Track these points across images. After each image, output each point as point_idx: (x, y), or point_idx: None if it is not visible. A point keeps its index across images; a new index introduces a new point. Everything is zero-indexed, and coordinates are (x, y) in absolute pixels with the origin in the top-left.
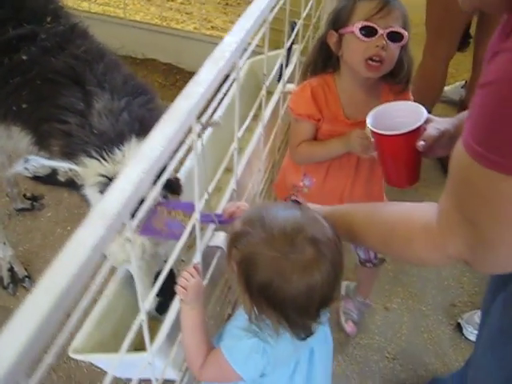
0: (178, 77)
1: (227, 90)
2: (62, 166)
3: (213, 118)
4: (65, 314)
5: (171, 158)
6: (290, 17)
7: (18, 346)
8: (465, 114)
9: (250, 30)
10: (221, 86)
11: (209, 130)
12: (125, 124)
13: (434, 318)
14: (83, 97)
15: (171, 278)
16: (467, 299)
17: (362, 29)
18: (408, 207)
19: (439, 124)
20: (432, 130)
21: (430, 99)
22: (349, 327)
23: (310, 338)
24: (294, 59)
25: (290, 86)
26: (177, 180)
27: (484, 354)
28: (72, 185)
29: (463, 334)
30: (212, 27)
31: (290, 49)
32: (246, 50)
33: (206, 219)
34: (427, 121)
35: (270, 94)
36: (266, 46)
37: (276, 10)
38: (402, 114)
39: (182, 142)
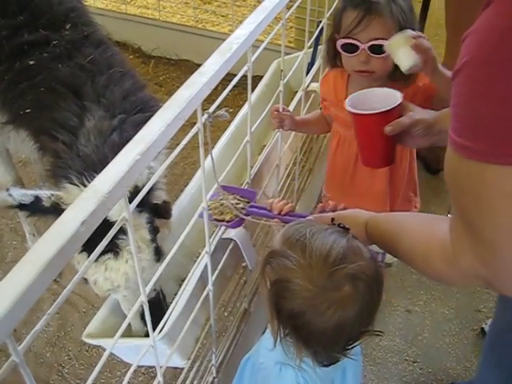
0: None
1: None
2: (44, 192)
3: (220, 112)
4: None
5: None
6: (316, 17)
7: (1, 309)
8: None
9: (261, 24)
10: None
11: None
12: (111, 147)
13: (457, 323)
14: (79, 111)
15: (160, 307)
16: (493, 305)
17: (342, 46)
18: (432, 221)
19: (417, 113)
20: (405, 118)
21: None
22: None
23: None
24: (319, 59)
25: (314, 85)
26: (165, 204)
27: (485, 357)
28: (58, 210)
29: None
30: None
31: (315, 48)
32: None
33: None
34: (408, 109)
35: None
36: (283, 42)
37: (294, 8)
38: (379, 99)
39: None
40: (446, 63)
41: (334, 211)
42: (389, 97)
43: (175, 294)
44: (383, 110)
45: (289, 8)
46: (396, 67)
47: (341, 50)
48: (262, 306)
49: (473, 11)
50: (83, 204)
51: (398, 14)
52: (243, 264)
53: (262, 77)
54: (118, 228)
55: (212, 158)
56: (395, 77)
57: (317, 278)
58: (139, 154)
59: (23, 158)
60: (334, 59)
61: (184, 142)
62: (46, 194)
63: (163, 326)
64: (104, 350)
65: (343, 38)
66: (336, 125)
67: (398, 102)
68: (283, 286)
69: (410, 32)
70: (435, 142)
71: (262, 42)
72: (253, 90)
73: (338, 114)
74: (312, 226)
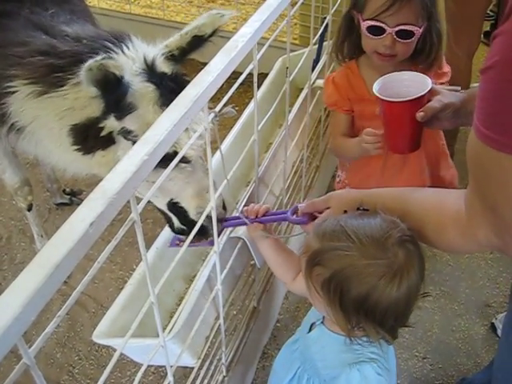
0: None
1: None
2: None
3: (226, 109)
4: (65, 286)
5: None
6: (321, 13)
7: (12, 313)
8: (475, 88)
9: (266, 21)
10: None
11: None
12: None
13: (467, 318)
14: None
15: None
16: (503, 300)
17: (368, 28)
18: (441, 195)
19: (445, 97)
20: (434, 102)
21: None
22: None
23: None
24: (324, 56)
25: (320, 82)
26: None
27: (505, 339)
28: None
29: (497, 335)
30: None
31: (320, 45)
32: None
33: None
34: (435, 93)
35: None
36: (289, 39)
37: (298, 5)
38: (408, 84)
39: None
40: (446, 61)
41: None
42: (417, 80)
43: (184, 294)
44: (415, 96)
45: (293, 5)
46: (417, 51)
47: (365, 32)
48: (271, 303)
49: (467, 8)
50: (91, 205)
51: (429, 2)
52: (251, 262)
53: (266, 74)
54: None
55: (221, 154)
56: (417, 60)
57: (374, 253)
58: (147, 154)
59: (31, 160)
60: (347, 39)
61: (190, 141)
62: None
63: (173, 326)
64: (114, 349)
65: (369, 19)
66: (360, 122)
67: (429, 88)
68: (343, 274)
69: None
70: (461, 124)
71: (267, 39)
72: (258, 87)
73: (365, 109)
74: (337, 217)
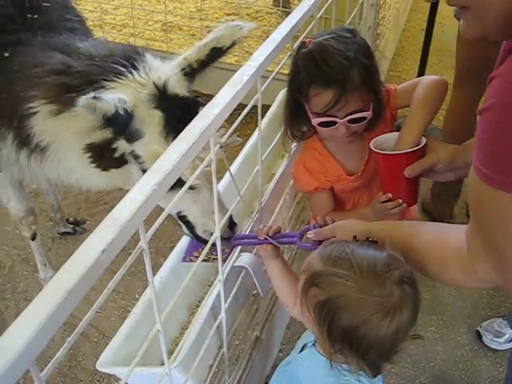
0: None
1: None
2: (110, 97)
3: (230, 139)
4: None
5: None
6: None
7: (25, 338)
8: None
9: (270, 56)
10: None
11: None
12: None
13: (470, 348)
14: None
15: None
16: None
17: (320, 123)
18: (443, 230)
19: (437, 152)
20: (424, 159)
21: (463, 140)
22: None
23: None
24: None
25: None
26: None
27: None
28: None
29: (482, 342)
30: None
31: None
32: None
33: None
34: (432, 148)
35: None
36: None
37: (301, 38)
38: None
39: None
40: (452, 108)
41: (321, 227)
42: None
43: (187, 323)
44: (407, 150)
45: (295, 39)
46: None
47: (318, 127)
48: (274, 333)
49: (473, 58)
50: (103, 233)
51: (370, 81)
52: (254, 291)
53: (269, 106)
54: None
55: (231, 174)
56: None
57: (371, 288)
58: (156, 184)
59: (34, 189)
60: (298, 119)
61: (197, 171)
62: (111, 98)
63: (177, 354)
64: (116, 379)
65: (319, 115)
66: (345, 196)
67: (422, 144)
68: (337, 303)
69: None
70: (463, 175)
71: (270, 71)
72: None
73: (345, 187)
74: (346, 243)
